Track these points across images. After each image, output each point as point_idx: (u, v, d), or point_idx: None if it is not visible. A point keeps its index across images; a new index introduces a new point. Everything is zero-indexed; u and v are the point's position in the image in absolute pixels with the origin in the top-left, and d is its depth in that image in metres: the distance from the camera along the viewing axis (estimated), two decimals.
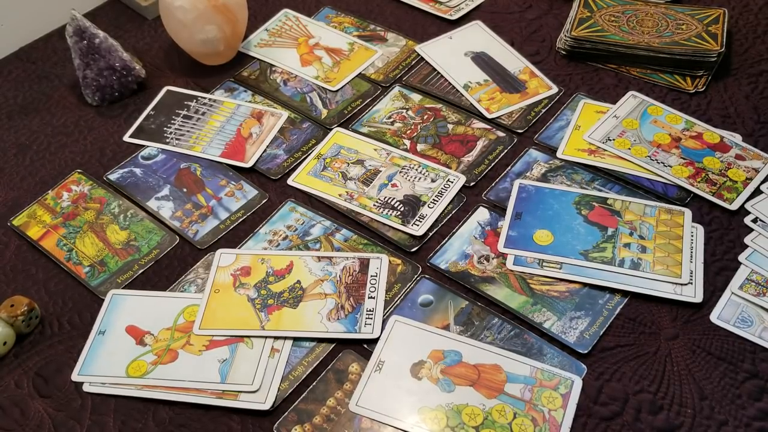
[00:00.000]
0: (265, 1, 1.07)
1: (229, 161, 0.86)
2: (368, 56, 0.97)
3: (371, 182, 0.82)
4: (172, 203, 0.82)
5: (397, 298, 0.72)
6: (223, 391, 0.66)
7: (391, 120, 0.89)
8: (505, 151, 0.85)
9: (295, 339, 0.70)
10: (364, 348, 0.69)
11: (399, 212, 0.79)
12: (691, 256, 0.73)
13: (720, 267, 0.73)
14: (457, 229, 0.77)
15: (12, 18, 1.00)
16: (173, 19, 0.91)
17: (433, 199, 0.80)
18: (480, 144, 0.85)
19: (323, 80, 0.94)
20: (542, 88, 0.91)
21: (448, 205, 0.80)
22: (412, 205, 0.79)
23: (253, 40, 1.01)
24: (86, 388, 0.68)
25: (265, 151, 0.87)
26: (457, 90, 0.92)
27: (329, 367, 0.68)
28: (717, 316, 0.69)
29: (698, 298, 0.70)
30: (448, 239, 0.77)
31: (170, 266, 0.77)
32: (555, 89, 0.91)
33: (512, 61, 0.95)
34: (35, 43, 1.03)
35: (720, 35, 0.91)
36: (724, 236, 0.75)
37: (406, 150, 0.85)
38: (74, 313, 0.73)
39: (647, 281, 0.71)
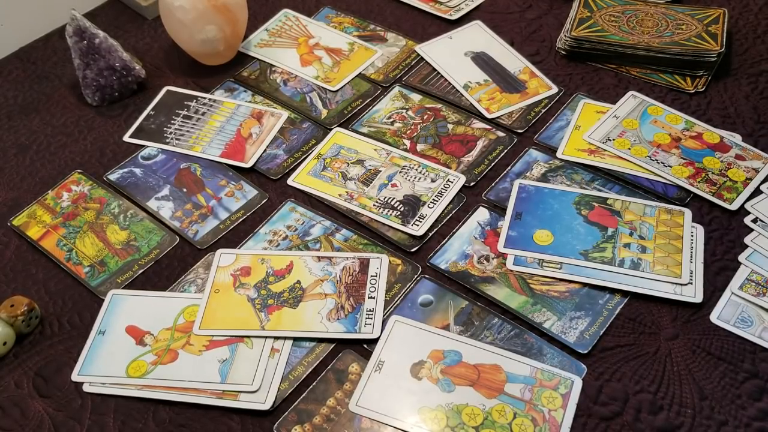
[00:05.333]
0: (265, 1, 1.07)
1: (229, 161, 0.86)
2: (368, 56, 0.97)
3: (371, 182, 0.82)
4: (172, 203, 0.82)
5: (397, 298, 0.72)
6: (223, 391, 0.66)
7: (391, 120, 0.89)
8: (505, 151, 0.85)
9: (295, 339, 0.70)
10: (364, 348, 0.69)
11: (399, 212, 0.79)
12: (691, 256, 0.73)
13: (720, 267, 0.73)
14: (457, 229, 0.77)
15: (12, 18, 1.00)
16: (173, 19, 0.91)
17: (433, 199, 0.80)
18: (480, 144, 0.85)
19: (323, 80, 0.94)
20: (542, 88, 0.91)
21: (448, 205, 0.80)
22: (412, 205, 0.79)
23: (253, 40, 1.01)
24: (86, 388, 0.68)
25: (265, 151, 0.87)
26: (457, 90, 0.92)
27: (329, 367, 0.68)
28: (717, 316, 0.69)
29: (698, 298, 0.70)
30: (448, 239, 0.77)
31: (170, 266, 0.77)
32: (555, 89, 0.91)
33: (512, 61, 0.95)
34: (35, 43, 1.03)
35: (720, 35, 0.91)
36: (724, 236, 0.75)
37: (406, 150, 0.85)
38: (74, 313, 0.73)
39: (647, 281, 0.71)
